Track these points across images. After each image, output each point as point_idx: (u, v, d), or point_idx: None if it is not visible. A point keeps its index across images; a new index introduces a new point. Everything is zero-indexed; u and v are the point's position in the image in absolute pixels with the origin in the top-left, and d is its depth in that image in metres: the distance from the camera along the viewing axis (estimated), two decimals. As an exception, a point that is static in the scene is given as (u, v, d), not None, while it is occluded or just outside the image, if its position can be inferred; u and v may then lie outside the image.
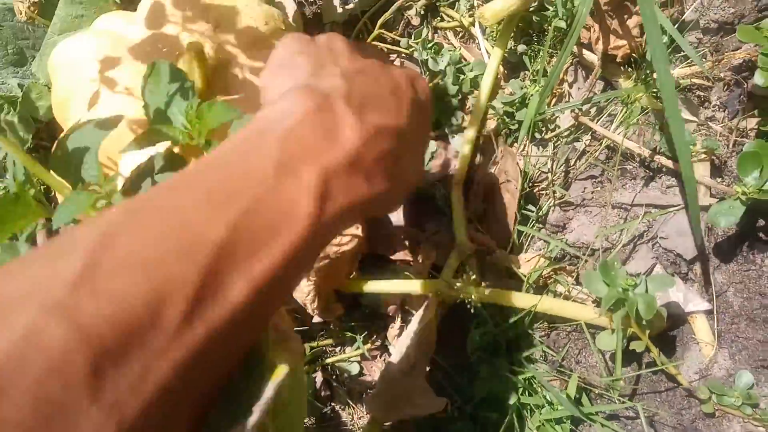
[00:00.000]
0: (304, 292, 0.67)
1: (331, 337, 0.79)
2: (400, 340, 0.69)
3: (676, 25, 0.76)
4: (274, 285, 0.29)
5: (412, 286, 0.69)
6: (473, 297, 0.66)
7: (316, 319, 0.72)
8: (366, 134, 0.35)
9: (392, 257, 0.79)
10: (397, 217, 0.83)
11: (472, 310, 0.70)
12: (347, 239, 0.65)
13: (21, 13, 0.90)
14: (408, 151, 0.40)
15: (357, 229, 0.64)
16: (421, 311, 0.69)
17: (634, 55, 0.73)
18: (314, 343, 0.79)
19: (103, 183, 0.49)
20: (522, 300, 0.64)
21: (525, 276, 0.67)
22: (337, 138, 0.34)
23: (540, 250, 0.72)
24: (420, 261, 0.76)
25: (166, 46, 0.68)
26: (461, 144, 0.79)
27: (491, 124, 0.80)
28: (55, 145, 0.55)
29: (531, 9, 0.80)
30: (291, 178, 0.31)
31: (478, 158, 0.80)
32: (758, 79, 0.63)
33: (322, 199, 0.32)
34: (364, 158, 0.35)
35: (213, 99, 0.55)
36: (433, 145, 0.84)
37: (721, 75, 0.72)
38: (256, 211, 0.29)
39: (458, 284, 0.67)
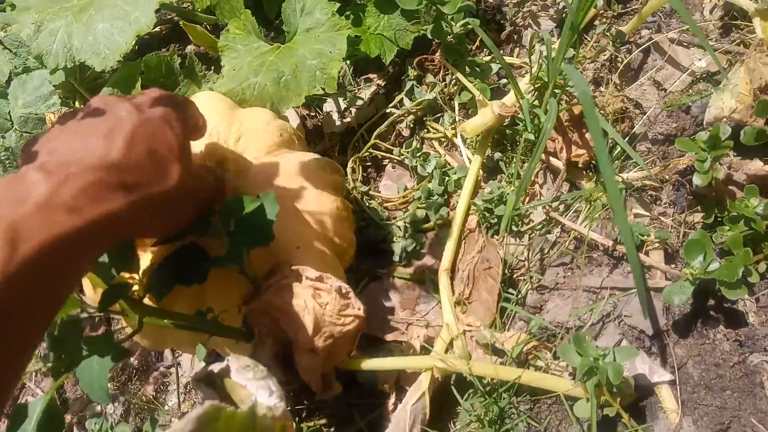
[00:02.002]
0: (309, 370, 0.73)
1: (326, 417, 0.84)
2: (396, 414, 0.75)
3: (627, 138, 0.90)
4: None
5: (407, 362, 0.76)
6: (463, 371, 0.73)
7: (318, 397, 0.78)
8: (57, 182, 0.45)
9: (386, 338, 0.87)
10: (391, 301, 0.91)
11: (462, 385, 0.76)
12: (350, 319, 0.72)
13: (51, 123, 1.02)
14: (135, 169, 0.49)
15: (359, 310, 0.72)
16: (415, 385, 0.76)
17: (592, 161, 0.86)
18: (312, 423, 0.84)
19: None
20: (507, 373, 0.71)
21: (509, 351, 0.75)
22: (26, 197, 0.44)
23: (521, 329, 0.81)
24: (412, 341, 0.84)
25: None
26: (447, 235, 0.90)
27: (473, 219, 0.91)
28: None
29: (504, 124, 0.94)
30: None
31: (463, 248, 0.90)
32: (696, 180, 0.75)
33: (12, 243, 0.40)
34: (59, 198, 0.44)
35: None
36: (422, 237, 0.94)
37: (668, 177, 0.85)
38: None
39: (449, 360, 0.74)
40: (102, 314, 0.99)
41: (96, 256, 0.54)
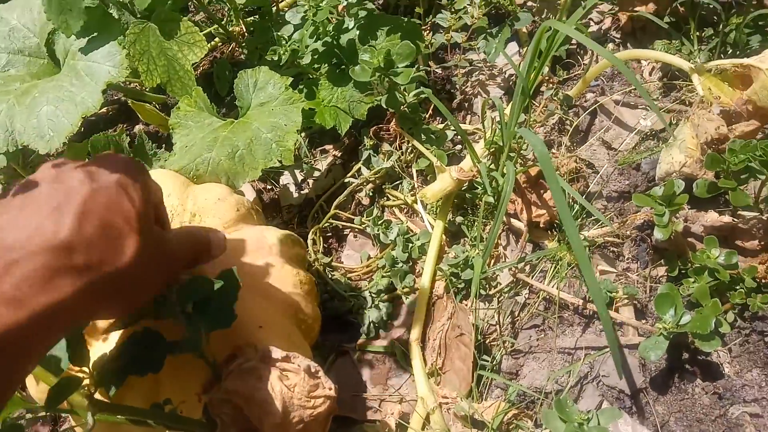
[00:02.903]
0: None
1: None
2: (376, 500, 0.69)
3: (584, 196, 0.91)
4: None
5: (384, 442, 0.72)
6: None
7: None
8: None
9: (358, 418, 0.82)
10: (360, 376, 0.87)
11: (442, 463, 0.72)
12: (320, 401, 0.67)
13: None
14: (86, 248, 0.44)
15: (330, 390, 0.67)
16: (393, 468, 0.71)
17: (555, 221, 0.87)
18: None
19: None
20: (489, 445, 0.68)
21: (489, 422, 0.71)
22: None
23: (498, 397, 0.78)
24: (386, 419, 0.79)
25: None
26: (415, 304, 0.87)
27: (440, 285, 0.90)
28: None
29: (463, 188, 0.94)
30: None
31: (432, 316, 0.88)
32: (657, 234, 0.77)
33: None
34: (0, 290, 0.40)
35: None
36: (389, 306, 0.91)
37: (628, 233, 0.86)
38: None
39: (427, 436, 0.70)
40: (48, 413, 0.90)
41: (43, 351, 0.47)
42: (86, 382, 0.58)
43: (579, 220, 0.89)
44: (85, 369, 0.57)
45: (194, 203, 0.81)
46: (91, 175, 0.48)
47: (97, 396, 0.58)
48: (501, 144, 0.89)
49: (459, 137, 1.05)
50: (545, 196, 0.87)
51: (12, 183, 1.09)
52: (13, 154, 1.00)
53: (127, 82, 1.18)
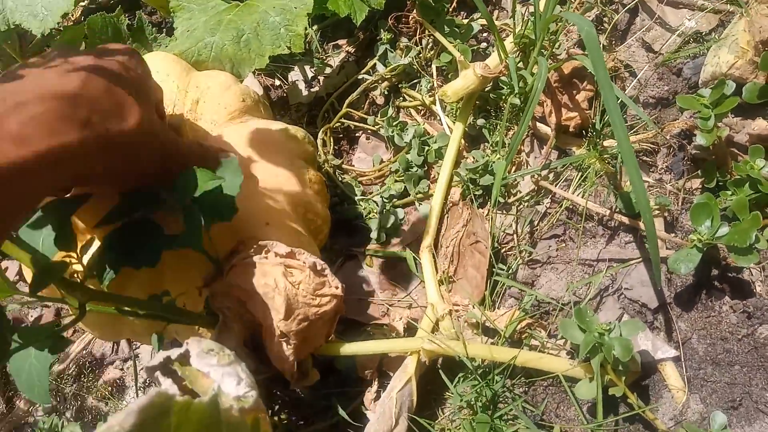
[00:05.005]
0: (282, 358, 0.65)
1: (302, 407, 0.76)
2: (381, 402, 0.67)
3: (619, 101, 0.84)
4: None
5: (393, 345, 0.69)
6: (457, 353, 0.66)
7: (292, 386, 0.70)
8: (4, 111, 0.42)
9: (365, 321, 0.80)
10: (368, 281, 0.84)
11: (450, 368, 0.70)
12: (326, 299, 0.64)
13: None
14: (91, 104, 0.46)
15: (336, 289, 0.64)
16: (400, 370, 0.69)
17: (586, 125, 0.80)
18: (285, 415, 0.76)
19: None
20: (502, 354, 0.65)
21: (502, 330, 0.68)
22: None
23: (511, 306, 0.74)
24: (394, 323, 0.77)
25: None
26: (429, 209, 0.82)
27: (456, 191, 0.84)
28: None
29: (487, 88, 0.87)
30: None
31: (446, 222, 0.83)
32: (699, 140, 0.70)
33: None
34: (6, 128, 0.41)
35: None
36: (401, 212, 0.87)
37: (664, 141, 0.79)
38: None
39: (440, 342, 0.67)
40: (46, 305, 0.88)
41: (39, 201, 0.49)
42: (78, 269, 0.54)
43: (611, 127, 0.82)
44: (73, 255, 0.53)
45: (197, 89, 0.75)
46: (98, 53, 0.52)
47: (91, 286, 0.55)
48: (533, 38, 0.81)
49: (483, 34, 0.96)
50: (578, 97, 0.80)
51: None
52: (6, 34, 0.93)
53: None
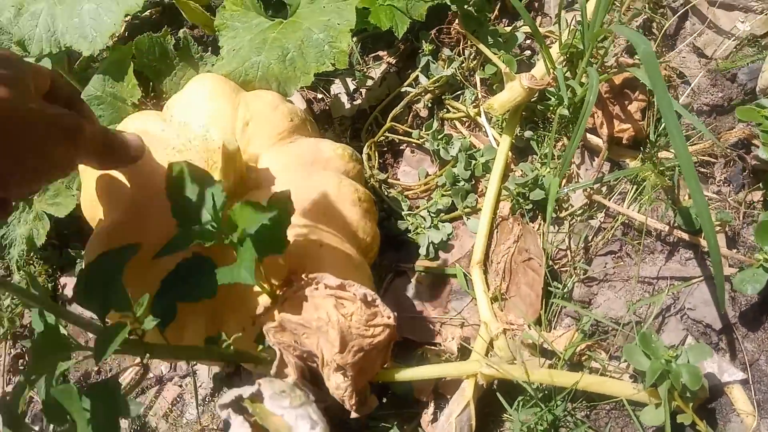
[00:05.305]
0: (341, 389, 0.64)
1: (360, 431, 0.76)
2: (440, 426, 0.67)
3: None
4: None
5: (450, 370, 0.69)
6: (517, 378, 0.65)
7: (353, 415, 0.70)
8: None
9: (418, 340, 0.79)
10: (418, 298, 0.83)
11: (507, 389, 0.69)
12: (379, 329, 0.63)
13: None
14: None
15: (388, 319, 0.63)
16: (458, 394, 0.68)
17: (640, 137, 0.78)
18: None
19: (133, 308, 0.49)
20: (564, 378, 0.64)
21: (561, 353, 0.67)
22: None
23: (568, 326, 0.73)
24: (447, 343, 0.76)
25: (198, 144, 0.71)
26: (477, 225, 0.81)
27: (505, 205, 0.83)
28: (77, 276, 0.55)
29: (533, 99, 0.85)
30: None
31: (495, 238, 0.82)
32: (762, 153, 0.68)
33: None
34: None
35: (242, 199, 0.56)
36: (449, 227, 0.86)
37: (721, 152, 0.77)
38: None
39: (499, 366, 0.66)
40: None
41: None
42: (133, 325, 0.54)
43: (664, 137, 0.80)
44: (129, 314, 0.53)
45: (246, 110, 0.75)
46: None
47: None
48: (580, 48, 0.79)
49: (527, 41, 0.94)
50: (630, 108, 0.78)
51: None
52: (58, 57, 0.94)
53: (168, -20, 1.09)
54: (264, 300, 0.62)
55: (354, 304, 0.62)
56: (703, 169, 0.78)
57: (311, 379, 0.62)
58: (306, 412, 0.44)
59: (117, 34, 0.85)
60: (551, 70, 0.81)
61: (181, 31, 1.11)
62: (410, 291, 0.84)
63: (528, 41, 0.95)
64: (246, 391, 0.46)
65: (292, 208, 0.57)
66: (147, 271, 0.59)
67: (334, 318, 0.60)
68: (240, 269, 0.54)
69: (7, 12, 0.87)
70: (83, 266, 0.55)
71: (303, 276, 0.63)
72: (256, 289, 0.61)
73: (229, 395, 0.46)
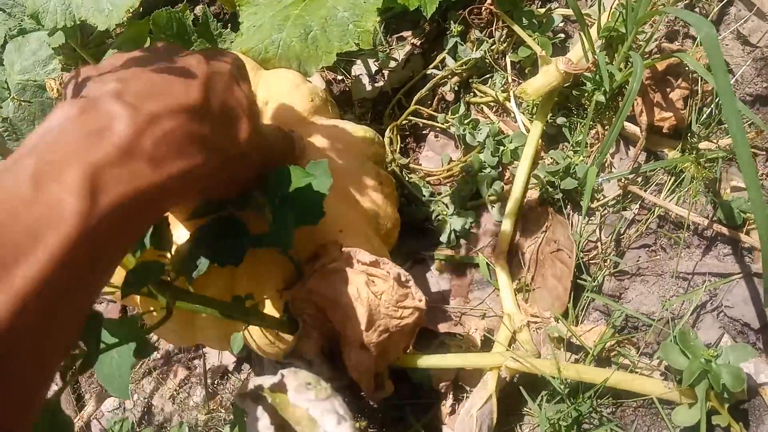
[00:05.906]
0: (359, 368, 0.62)
1: (374, 417, 0.74)
2: (460, 420, 0.64)
3: (717, 99, 0.78)
4: (53, 288, 0.30)
5: (474, 360, 0.66)
6: (546, 374, 0.62)
7: (369, 399, 0.68)
8: (141, 122, 0.37)
9: (439, 329, 0.76)
10: (438, 287, 0.80)
11: (529, 383, 0.66)
12: (409, 312, 0.61)
13: (52, 90, 0.90)
14: (211, 120, 0.43)
15: (419, 302, 0.61)
16: (480, 387, 0.65)
17: (681, 126, 0.74)
18: (357, 424, 0.74)
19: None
20: (593, 374, 0.61)
21: (589, 348, 0.64)
22: (105, 133, 0.35)
23: (596, 321, 0.70)
24: (470, 334, 0.73)
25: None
26: (503, 213, 0.78)
27: (533, 194, 0.80)
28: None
29: (567, 85, 0.82)
30: (53, 183, 0.32)
31: (521, 227, 0.79)
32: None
33: (92, 193, 0.33)
34: (142, 145, 0.36)
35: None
36: (472, 214, 0.82)
37: (765, 145, 0.73)
38: (9, 224, 0.30)
39: (526, 360, 0.63)
40: (112, 300, 0.88)
41: (152, 223, 0.46)
42: (167, 267, 0.52)
43: (706, 127, 0.76)
44: (167, 254, 0.51)
45: (266, 90, 0.72)
46: (205, 59, 0.47)
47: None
48: (622, 31, 0.76)
49: (560, 23, 0.91)
50: (672, 96, 0.74)
51: (71, 63, 1.03)
52: (71, 30, 0.93)
53: (188, -46, 1.07)
54: (290, 271, 0.60)
55: (386, 282, 0.60)
56: (744, 162, 0.74)
57: (330, 357, 0.60)
58: (332, 406, 0.42)
59: (133, 8, 0.82)
60: (593, 55, 0.77)
61: (199, 6, 1.09)
62: (430, 279, 0.81)
63: (561, 23, 0.91)
64: (267, 381, 0.44)
65: (330, 176, 0.55)
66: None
67: (364, 294, 0.58)
68: (275, 235, 0.53)
69: (20, -15, 0.86)
70: None
71: (333, 249, 0.61)
72: (280, 262, 0.59)
73: (250, 384, 0.44)
